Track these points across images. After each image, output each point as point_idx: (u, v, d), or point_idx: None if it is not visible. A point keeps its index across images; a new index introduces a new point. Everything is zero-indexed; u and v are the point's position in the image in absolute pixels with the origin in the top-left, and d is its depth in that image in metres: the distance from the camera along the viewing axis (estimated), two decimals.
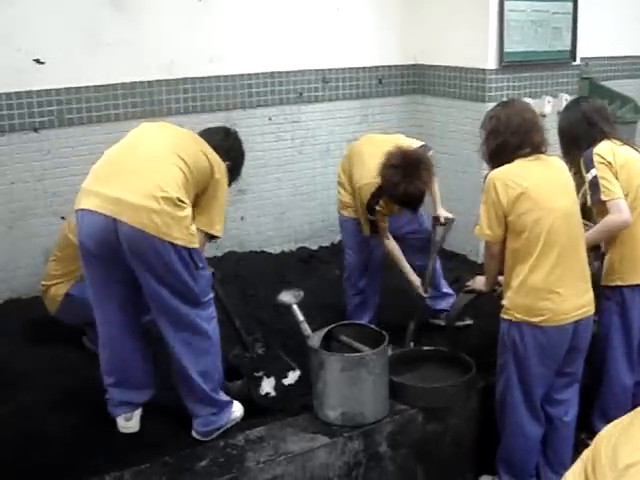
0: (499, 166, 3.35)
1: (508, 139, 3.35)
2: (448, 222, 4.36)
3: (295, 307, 3.81)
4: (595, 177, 3.64)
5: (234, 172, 3.60)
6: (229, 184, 3.51)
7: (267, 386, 3.69)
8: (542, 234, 3.24)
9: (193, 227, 3.13)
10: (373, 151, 4.10)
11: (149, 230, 2.99)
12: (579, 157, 3.74)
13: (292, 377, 3.76)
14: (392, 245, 4.24)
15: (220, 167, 3.34)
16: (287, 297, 3.89)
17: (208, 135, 3.54)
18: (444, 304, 4.55)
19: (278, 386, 3.68)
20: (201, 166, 3.23)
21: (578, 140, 3.78)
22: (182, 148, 3.21)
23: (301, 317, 3.76)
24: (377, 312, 4.47)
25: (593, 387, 3.90)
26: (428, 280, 4.30)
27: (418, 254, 4.37)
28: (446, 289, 4.61)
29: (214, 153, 3.35)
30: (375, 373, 3.42)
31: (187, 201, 3.11)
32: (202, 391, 3.29)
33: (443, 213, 4.37)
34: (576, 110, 3.89)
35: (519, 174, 3.29)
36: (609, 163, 3.62)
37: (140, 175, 3.07)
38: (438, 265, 4.57)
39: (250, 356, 3.76)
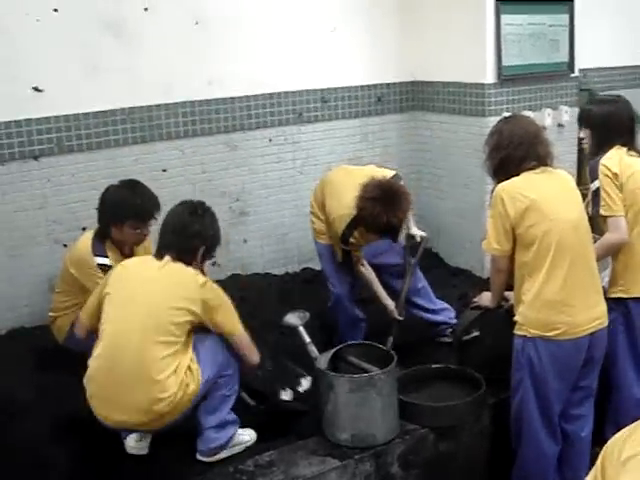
0: (505, 180, 3.33)
1: (511, 153, 3.35)
2: (422, 240, 4.35)
3: (301, 329, 3.79)
4: (598, 189, 3.63)
5: (211, 248, 3.48)
6: (210, 256, 3.50)
7: (286, 397, 3.76)
8: (552, 246, 3.22)
9: (191, 385, 3.18)
10: (346, 182, 4.17)
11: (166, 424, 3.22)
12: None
13: (305, 383, 3.80)
14: (367, 272, 4.29)
15: (201, 294, 3.24)
16: (293, 319, 3.88)
17: (177, 228, 3.38)
18: (440, 318, 4.58)
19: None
20: (186, 320, 3.20)
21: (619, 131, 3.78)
22: (162, 325, 3.15)
23: (307, 339, 3.74)
24: (366, 335, 4.44)
25: (604, 400, 3.86)
26: (403, 302, 4.32)
27: (396, 279, 4.41)
28: (440, 304, 4.63)
29: (196, 286, 3.24)
30: (384, 393, 3.39)
31: (180, 374, 3.15)
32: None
33: (417, 232, 4.38)
34: (626, 103, 3.90)
35: (526, 187, 3.28)
36: (615, 175, 3.61)
37: (134, 393, 3.12)
38: (425, 283, 4.59)
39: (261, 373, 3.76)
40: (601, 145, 3.78)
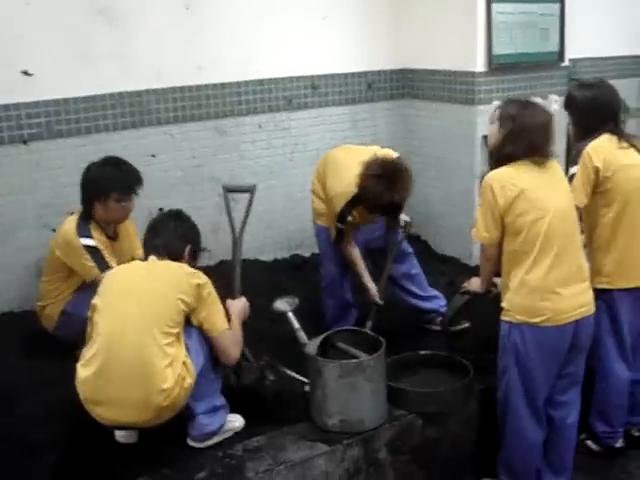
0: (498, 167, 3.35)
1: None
2: (407, 226, 4.35)
3: (290, 315, 3.80)
4: (573, 175, 3.68)
5: (197, 248, 3.53)
6: (195, 260, 3.49)
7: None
8: (540, 234, 3.24)
9: (187, 379, 3.16)
10: (348, 160, 4.14)
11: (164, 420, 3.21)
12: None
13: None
14: (354, 252, 4.28)
15: (191, 281, 3.22)
16: (282, 305, 3.88)
17: (161, 231, 3.41)
18: (430, 305, 4.57)
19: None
20: (179, 310, 3.17)
21: (605, 116, 3.77)
22: (157, 315, 3.13)
23: (297, 325, 3.75)
24: (357, 321, 4.46)
25: (589, 387, 3.89)
26: (383, 286, 4.30)
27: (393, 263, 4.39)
28: (432, 292, 4.64)
29: (184, 274, 3.24)
30: (373, 379, 3.40)
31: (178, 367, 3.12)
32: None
33: (402, 217, 4.33)
34: (610, 87, 3.89)
35: (516, 176, 3.29)
36: (594, 168, 3.62)
37: (135, 389, 3.08)
38: (419, 270, 4.61)
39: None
40: (586, 130, 3.77)
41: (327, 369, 3.39)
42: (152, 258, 3.33)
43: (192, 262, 3.44)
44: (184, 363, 3.15)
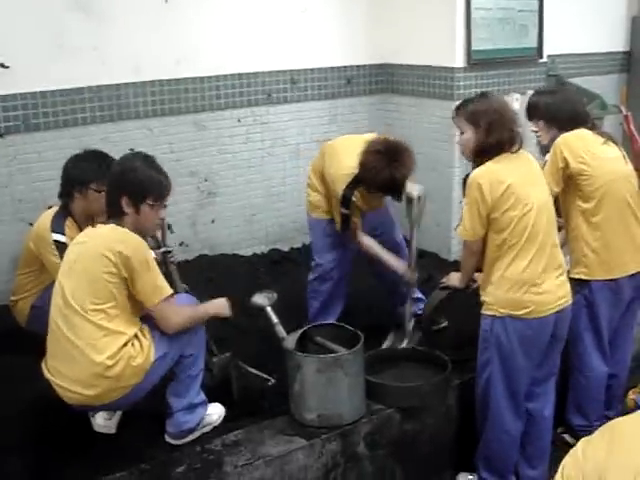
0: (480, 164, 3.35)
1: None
2: (421, 195, 4.24)
3: (269, 309, 3.79)
4: (545, 162, 3.73)
5: (138, 199, 3.19)
6: (142, 202, 3.19)
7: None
8: (527, 228, 3.26)
9: (138, 359, 3.10)
10: (347, 145, 4.12)
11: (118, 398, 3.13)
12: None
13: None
14: (367, 238, 4.20)
15: (116, 249, 3.05)
16: (260, 299, 3.87)
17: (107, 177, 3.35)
18: (414, 308, 4.53)
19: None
20: (105, 284, 3.05)
21: (577, 117, 3.83)
22: (84, 291, 3.06)
23: (275, 319, 3.74)
24: (341, 316, 4.43)
25: (565, 380, 3.93)
26: (414, 261, 4.16)
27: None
28: (417, 294, 4.59)
29: (109, 243, 3.08)
30: (351, 373, 3.41)
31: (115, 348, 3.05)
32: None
33: (414, 188, 4.10)
34: (570, 90, 3.93)
35: (500, 171, 3.30)
36: (563, 159, 3.66)
37: (73, 364, 3.07)
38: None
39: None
40: (557, 132, 3.81)
41: (305, 363, 3.39)
42: (99, 225, 3.24)
43: (139, 217, 3.19)
44: (138, 340, 3.11)
